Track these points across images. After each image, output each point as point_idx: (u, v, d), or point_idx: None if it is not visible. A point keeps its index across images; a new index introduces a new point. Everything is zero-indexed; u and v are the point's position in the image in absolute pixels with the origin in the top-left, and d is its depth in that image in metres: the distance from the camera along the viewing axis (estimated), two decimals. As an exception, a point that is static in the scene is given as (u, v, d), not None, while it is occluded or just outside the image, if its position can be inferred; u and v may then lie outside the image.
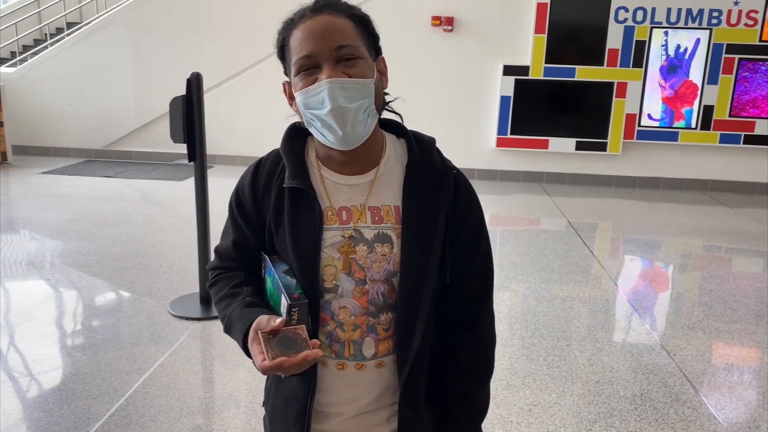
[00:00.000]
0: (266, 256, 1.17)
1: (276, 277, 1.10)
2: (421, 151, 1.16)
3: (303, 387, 1.14)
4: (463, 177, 1.19)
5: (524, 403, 2.78)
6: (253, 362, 1.02)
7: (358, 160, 1.13)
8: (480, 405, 1.25)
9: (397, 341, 1.14)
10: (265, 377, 1.24)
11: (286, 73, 1.14)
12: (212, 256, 1.32)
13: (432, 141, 1.19)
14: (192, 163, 3.52)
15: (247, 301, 1.15)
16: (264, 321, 1.02)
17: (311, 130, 1.10)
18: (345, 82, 1.03)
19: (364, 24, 1.10)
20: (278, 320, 1.01)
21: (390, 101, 1.18)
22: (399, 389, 1.15)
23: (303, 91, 1.05)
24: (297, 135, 1.19)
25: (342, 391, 1.16)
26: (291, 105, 1.14)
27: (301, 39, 1.05)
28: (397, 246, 1.11)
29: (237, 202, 1.20)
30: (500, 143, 7.90)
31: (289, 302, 1.04)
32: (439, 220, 1.13)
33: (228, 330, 1.15)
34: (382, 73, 1.13)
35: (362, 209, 1.12)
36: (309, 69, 1.05)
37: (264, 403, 1.29)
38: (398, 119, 1.22)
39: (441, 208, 1.13)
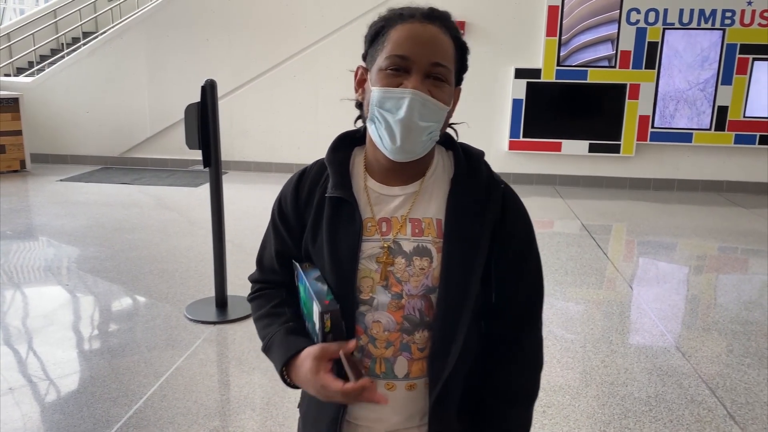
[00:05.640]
0: (297, 264, 1.15)
1: (307, 284, 1.09)
2: (469, 164, 1.13)
3: None
4: (512, 192, 1.15)
5: (538, 404, 2.78)
6: (303, 389, 1.09)
7: (404, 170, 1.11)
8: (520, 428, 1.19)
9: (430, 360, 1.09)
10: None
11: (365, 56, 1.11)
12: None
13: (480, 154, 1.16)
14: (207, 169, 3.57)
15: (289, 326, 1.14)
16: (334, 345, 1.03)
17: (370, 127, 1.08)
18: (427, 100, 1.02)
19: (462, 52, 1.09)
20: (351, 343, 1.03)
21: (453, 124, 1.16)
22: (428, 410, 1.10)
23: (384, 89, 1.03)
24: (343, 145, 1.18)
25: (371, 408, 1.12)
26: (357, 91, 1.13)
27: (403, 38, 1.03)
28: (437, 261, 1.08)
29: (279, 211, 1.19)
30: (513, 146, 7.89)
31: (321, 309, 1.02)
32: (483, 236, 1.09)
33: (266, 351, 1.16)
34: (455, 103, 1.11)
35: (403, 221, 1.10)
36: (398, 69, 1.03)
37: (299, 404, 1.28)
38: (453, 134, 1.19)
39: (486, 223, 1.09)
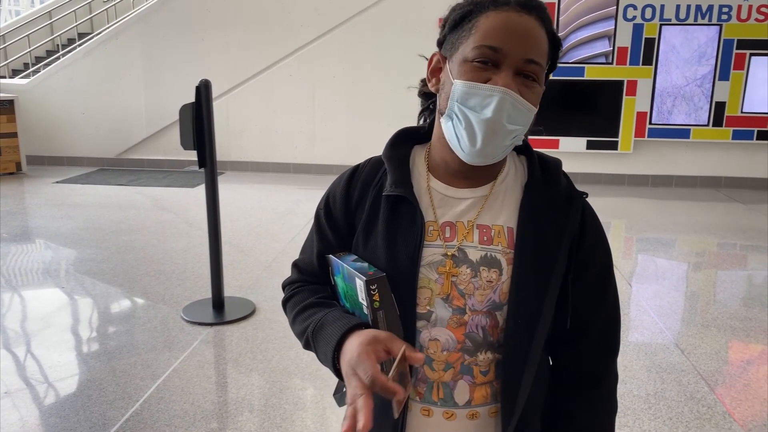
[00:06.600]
0: (330, 256, 1.04)
1: (346, 268, 0.98)
2: (544, 172, 1.03)
3: None
4: (590, 207, 1.05)
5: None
6: (335, 368, 0.92)
7: (474, 173, 1.00)
8: None
9: (502, 390, 0.98)
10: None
11: (441, 43, 0.99)
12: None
13: (558, 162, 1.06)
14: (203, 170, 3.55)
15: (344, 309, 1.02)
16: (399, 343, 0.88)
17: (446, 124, 0.96)
18: (517, 101, 0.90)
19: (555, 48, 0.97)
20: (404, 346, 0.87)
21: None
22: None
23: (470, 84, 0.90)
24: (402, 141, 1.07)
25: None
26: (429, 81, 1.00)
27: (496, 27, 0.90)
28: (507, 273, 0.96)
29: (326, 210, 1.07)
30: (510, 144, 7.87)
31: (366, 278, 0.91)
32: (561, 250, 0.97)
33: (318, 329, 0.99)
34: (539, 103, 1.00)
35: (470, 227, 0.98)
36: (486, 62, 0.90)
37: None
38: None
39: (564, 236, 0.98)
